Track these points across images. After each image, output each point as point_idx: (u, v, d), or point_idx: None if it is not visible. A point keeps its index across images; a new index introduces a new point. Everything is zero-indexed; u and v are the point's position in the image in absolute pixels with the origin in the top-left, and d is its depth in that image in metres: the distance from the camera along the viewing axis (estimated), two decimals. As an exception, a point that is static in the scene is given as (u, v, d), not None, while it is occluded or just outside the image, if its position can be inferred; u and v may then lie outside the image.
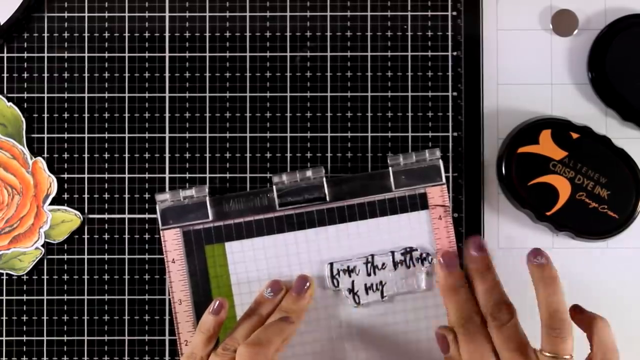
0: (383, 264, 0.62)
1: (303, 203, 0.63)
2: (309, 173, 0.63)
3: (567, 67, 0.65)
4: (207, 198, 0.63)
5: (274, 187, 0.63)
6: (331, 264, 0.62)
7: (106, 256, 0.64)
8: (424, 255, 0.62)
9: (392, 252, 0.62)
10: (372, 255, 0.62)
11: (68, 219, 0.64)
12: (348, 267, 0.62)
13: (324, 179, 0.63)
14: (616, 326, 0.64)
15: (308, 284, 0.60)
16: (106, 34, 0.65)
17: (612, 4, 0.65)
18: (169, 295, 0.63)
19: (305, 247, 0.62)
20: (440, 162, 0.63)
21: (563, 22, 0.65)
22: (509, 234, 0.64)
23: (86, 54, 0.65)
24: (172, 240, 0.62)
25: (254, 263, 0.63)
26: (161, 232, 0.62)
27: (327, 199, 0.63)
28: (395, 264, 0.62)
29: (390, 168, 0.63)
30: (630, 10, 0.64)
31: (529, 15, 0.65)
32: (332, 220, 0.63)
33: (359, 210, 0.63)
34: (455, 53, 0.65)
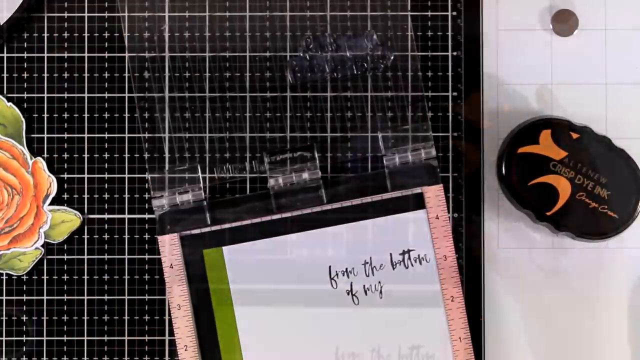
0: (381, 265, 0.62)
1: (299, 203, 0.63)
2: (305, 175, 0.63)
3: (567, 67, 0.65)
4: (205, 203, 0.63)
5: (270, 189, 0.63)
6: (329, 267, 0.62)
7: (106, 256, 0.65)
8: (421, 255, 0.62)
9: (390, 254, 0.62)
10: (371, 257, 0.62)
11: (68, 219, 0.64)
12: (346, 268, 0.62)
13: (321, 181, 0.63)
14: (616, 327, 0.64)
15: None
16: (106, 34, 0.65)
17: (613, 3, 0.65)
18: (168, 298, 0.63)
19: (304, 250, 0.62)
20: (436, 162, 0.63)
21: (563, 22, 0.65)
22: (509, 234, 0.64)
23: (86, 54, 0.65)
24: (169, 246, 0.62)
25: (252, 267, 0.62)
26: (158, 237, 0.62)
27: (325, 200, 0.63)
28: (393, 265, 0.62)
29: (386, 169, 0.63)
30: (630, 9, 0.64)
31: (529, 15, 0.65)
32: (330, 222, 0.63)
33: (357, 212, 0.63)
34: (455, 53, 0.65)
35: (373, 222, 0.63)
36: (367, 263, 0.62)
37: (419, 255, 0.62)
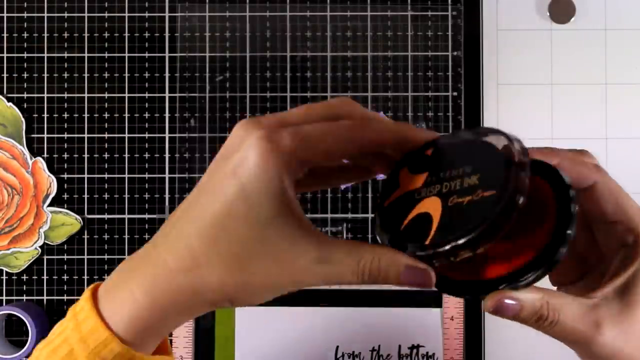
0: (388, 355, 0.63)
1: None
2: None
3: (567, 67, 0.65)
4: None
5: None
6: (337, 347, 0.63)
7: (106, 256, 0.64)
8: (429, 353, 0.63)
9: (399, 346, 0.63)
10: (379, 345, 0.63)
11: (68, 223, 0.64)
12: (353, 352, 0.63)
13: None
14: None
15: None
16: (106, 34, 0.65)
17: (612, 3, 0.65)
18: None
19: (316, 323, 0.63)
20: None
21: (561, 10, 0.65)
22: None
23: (86, 54, 0.65)
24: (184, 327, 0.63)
25: (260, 331, 0.63)
26: None
27: None
28: (400, 357, 0.63)
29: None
30: (630, 9, 0.64)
31: (529, 15, 0.65)
32: (344, 301, 0.63)
33: (374, 297, 0.63)
34: (455, 53, 0.65)
35: (388, 310, 0.63)
36: (375, 350, 0.63)
37: (427, 353, 0.63)
